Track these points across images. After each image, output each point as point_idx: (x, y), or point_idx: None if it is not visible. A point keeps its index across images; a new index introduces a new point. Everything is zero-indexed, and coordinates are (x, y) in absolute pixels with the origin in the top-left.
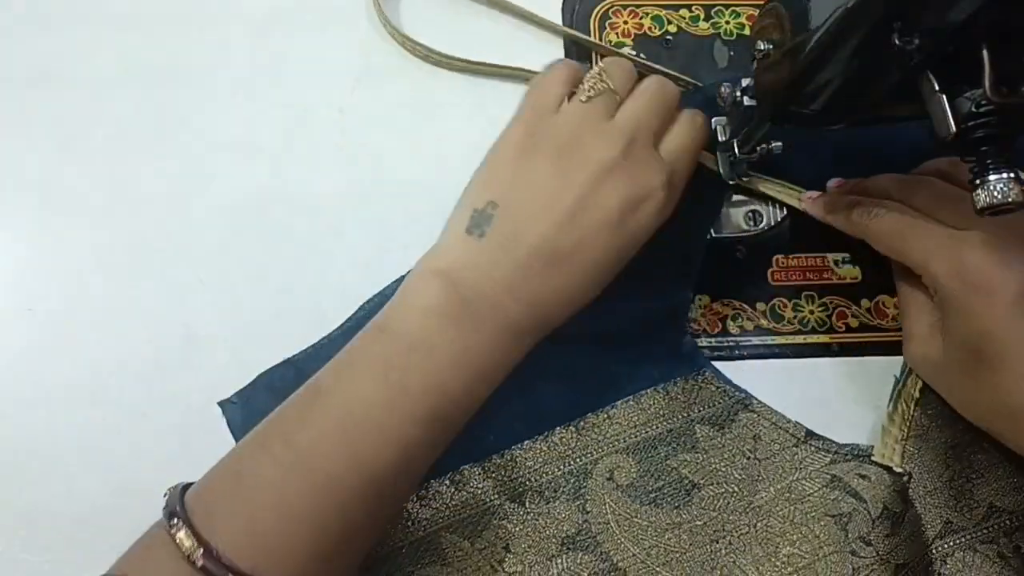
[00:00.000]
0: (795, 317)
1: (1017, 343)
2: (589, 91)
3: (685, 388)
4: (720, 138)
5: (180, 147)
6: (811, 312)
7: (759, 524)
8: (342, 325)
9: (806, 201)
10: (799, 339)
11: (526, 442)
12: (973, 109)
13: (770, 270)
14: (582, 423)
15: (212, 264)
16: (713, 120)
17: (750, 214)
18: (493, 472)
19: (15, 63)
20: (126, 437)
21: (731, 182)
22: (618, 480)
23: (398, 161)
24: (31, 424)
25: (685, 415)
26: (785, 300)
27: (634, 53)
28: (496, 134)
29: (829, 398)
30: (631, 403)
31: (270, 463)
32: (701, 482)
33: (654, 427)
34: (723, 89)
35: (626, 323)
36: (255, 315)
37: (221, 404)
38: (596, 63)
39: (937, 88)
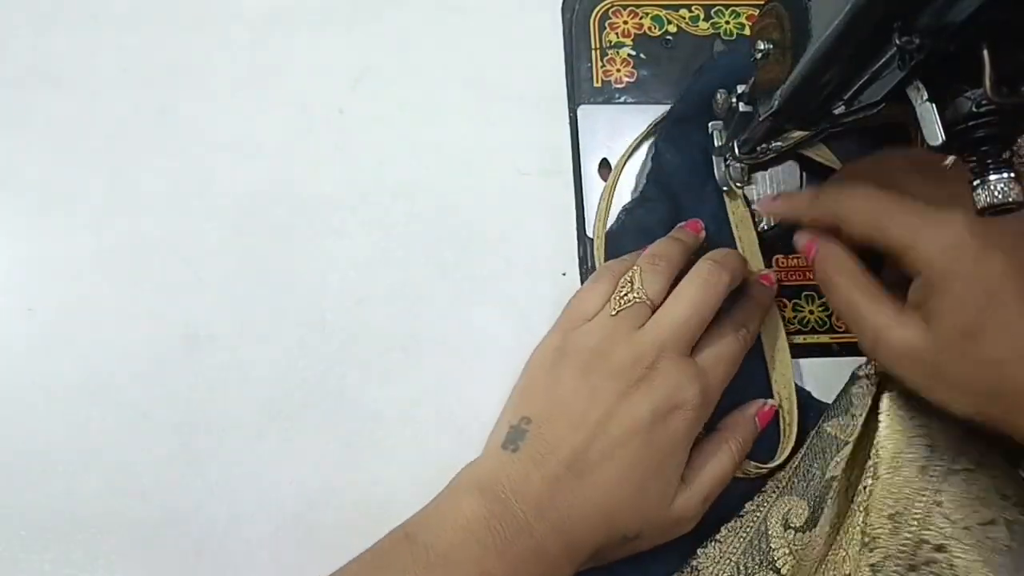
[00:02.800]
0: (795, 317)
1: (1012, 317)
2: (619, 304)
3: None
4: (716, 143)
5: (180, 147)
6: (811, 312)
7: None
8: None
9: (765, 203)
10: (799, 339)
11: (699, 551)
12: (973, 109)
13: (770, 270)
14: (739, 509)
15: (212, 264)
16: (709, 125)
17: (750, 215)
18: None
19: (15, 63)
20: (126, 437)
21: (724, 188)
22: (795, 523)
23: (398, 161)
24: (31, 424)
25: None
26: (785, 300)
27: (634, 53)
28: (495, 136)
29: (829, 398)
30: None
31: None
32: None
33: (795, 459)
34: (719, 95)
35: None
36: (255, 315)
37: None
38: (634, 270)
39: (926, 97)
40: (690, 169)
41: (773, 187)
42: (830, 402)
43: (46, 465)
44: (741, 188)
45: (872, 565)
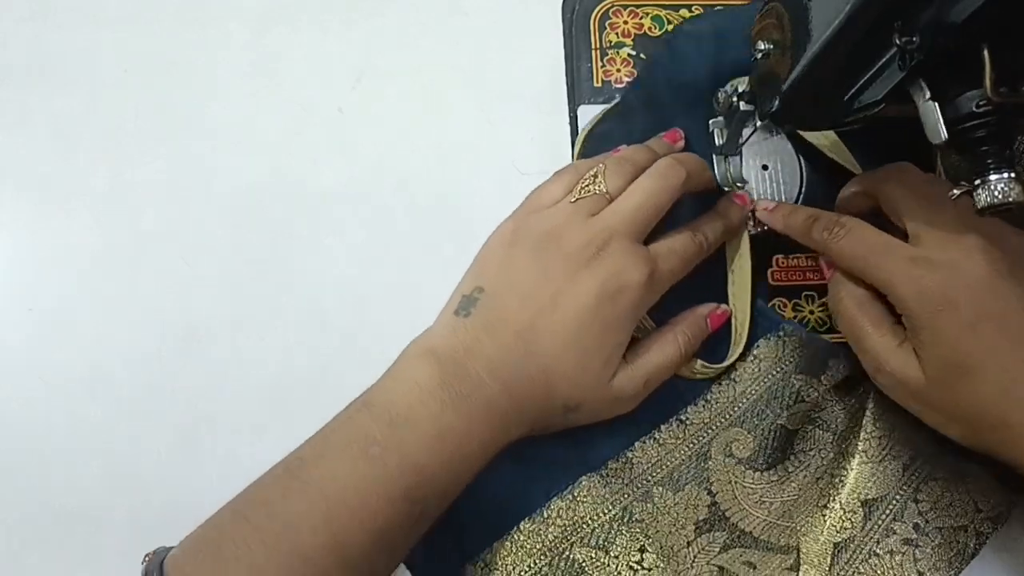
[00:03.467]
0: (795, 317)
1: (988, 355)
2: (579, 192)
3: (770, 347)
4: (717, 142)
5: (180, 145)
6: (811, 312)
7: (846, 451)
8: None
9: (761, 211)
10: None
11: (636, 444)
12: (973, 109)
13: (770, 270)
14: (684, 415)
15: (212, 261)
16: (710, 123)
17: (750, 215)
18: (612, 477)
19: (15, 63)
20: (126, 435)
21: (724, 188)
22: (737, 454)
23: (398, 160)
24: (31, 422)
25: (779, 371)
26: (785, 300)
27: (634, 53)
28: (495, 136)
29: None
30: (724, 382)
31: (251, 535)
32: (804, 430)
33: (752, 393)
34: (719, 94)
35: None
36: (255, 312)
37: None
38: (599, 168)
39: (929, 96)
40: (680, 86)
41: (774, 186)
42: (789, 321)
43: (46, 462)
44: (741, 188)
45: (836, 544)
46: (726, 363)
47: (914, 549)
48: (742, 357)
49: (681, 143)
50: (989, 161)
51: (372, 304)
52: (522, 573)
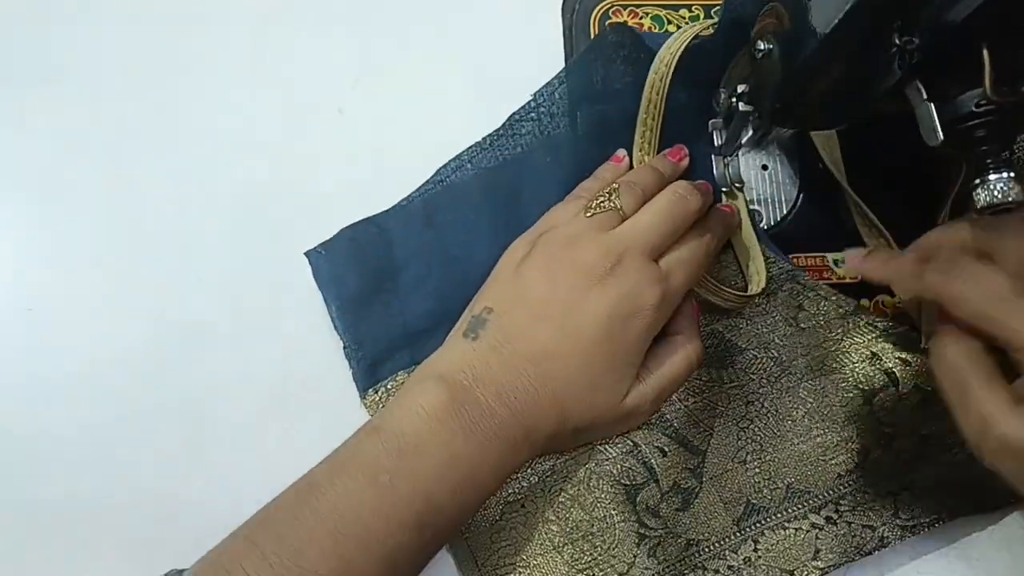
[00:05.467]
0: None
1: None
2: (594, 208)
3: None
4: (716, 142)
5: (180, 145)
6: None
7: (789, 389)
8: (420, 187)
9: (853, 261)
10: None
11: None
12: (973, 109)
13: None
14: None
15: (212, 263)
16: (709, 123)
17: (749, 215)
18: None
19: (15, 63)
20: (126, 436)
21: (723, 189)
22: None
23: (397, 160)
24: (31, 423)
25: (734, 282)
26: None
27: None
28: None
29: None
30: None
31: (260, 560)
32: (744, 346)
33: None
34: (720, 93)
35: None
36: (255, 313)
37: (307, 254)
38: (612, 187)
39: (925, 97)
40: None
41: (773, 186)
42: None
43: (46, 464)
44: (741, 188)
45: (751, 503)
46: (751, 292)
47: (819, 531)
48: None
49: (685, 162)
50: (989, 161)
51: None
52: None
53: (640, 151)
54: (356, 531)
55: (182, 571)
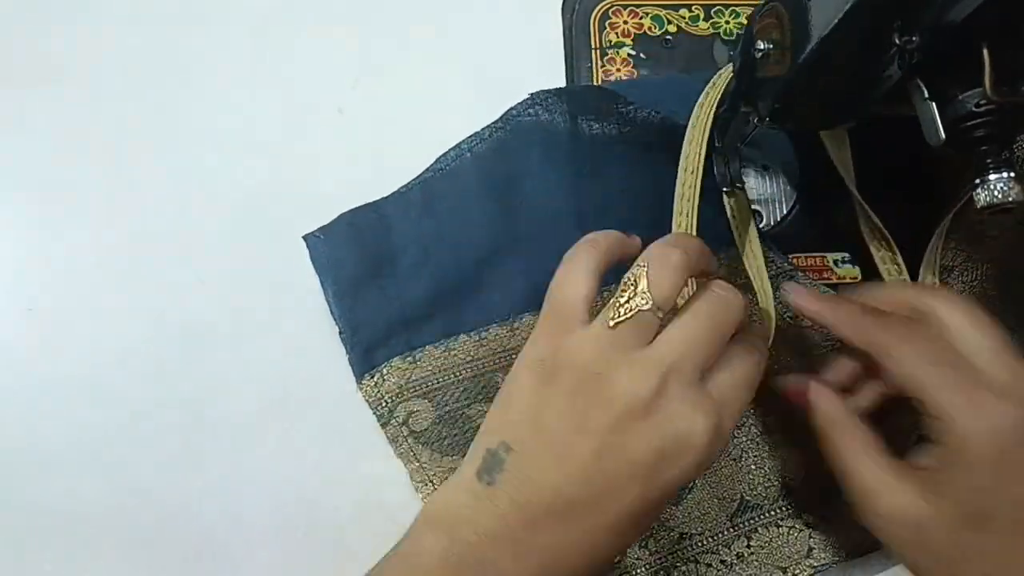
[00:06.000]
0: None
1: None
2: (617, 314)
3: (735, 256)
4: (716, 144)
5: (180, 146)
6: None
7: None
8: (420, 175)
9: (797, 294)
10: None
11: None
12: (973, 109)
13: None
14: None
15: (212, 263)
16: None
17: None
18: None
19: (15, 63)
20: (126, 437)
21: (724, 189)
22: None
23: (398, 160)
24: (31, 424)
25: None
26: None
27: (634, 53)
28: None
29: None
30: None
31: None
32: None
33: None
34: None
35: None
36: (255, 314)
37: (305, 237)
38: (640, 266)
39: (927, 95)
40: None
41: (773, 186)
42: None
43: (46, 464)
44: (741, 188)
45: (746, 500)
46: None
47: (812, 530)
48: None
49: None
50: (989, 161)
51: None
52: (445, 378)
53: (681, 215)
54: None
55: None
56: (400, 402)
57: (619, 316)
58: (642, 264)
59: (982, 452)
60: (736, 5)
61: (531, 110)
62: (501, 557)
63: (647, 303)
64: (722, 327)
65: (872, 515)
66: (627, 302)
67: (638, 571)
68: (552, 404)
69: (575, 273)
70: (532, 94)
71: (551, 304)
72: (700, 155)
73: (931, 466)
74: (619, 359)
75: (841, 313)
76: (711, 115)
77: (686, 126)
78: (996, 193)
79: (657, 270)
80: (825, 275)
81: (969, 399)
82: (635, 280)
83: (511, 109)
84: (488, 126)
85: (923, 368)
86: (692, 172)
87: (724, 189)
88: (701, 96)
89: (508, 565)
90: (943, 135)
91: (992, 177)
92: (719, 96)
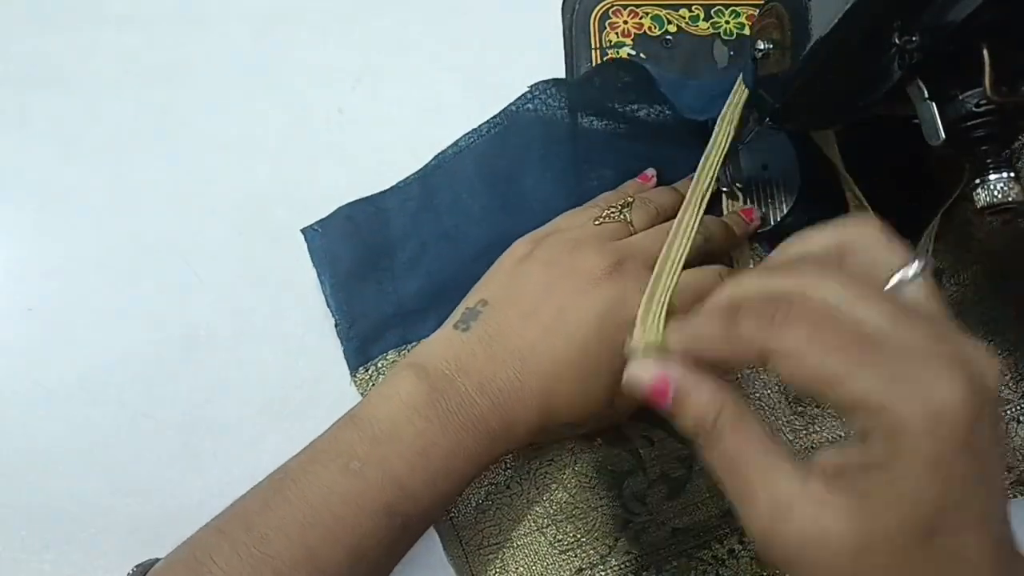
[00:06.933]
0: None
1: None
2: (603, 217)
3: None
4: None
5: (180, 147)
6: None
7: (779, 385)
8: (419, 170)
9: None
10: None
11: None
12: (973, 109)
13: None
14: None
15: (212, 264)
16: (709, 121)
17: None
18: None
19: (15, 63)
20: (126, 437)
21: (724, 189)
22: None
23: (398, 161)
24: (31, 424)
25: None
26: None
27: (634, 53)
28: None
29: None
30: None
31: (229, 551)
32: None
33: None
34: None
35: None
36: (255, 315)
37: (303, 230)
38: (628, 200)
39: (927, 95)
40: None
41: (773, 187)
42: None
43: (46, 465)
44: (741, 188)
45: None
46: None
47: None
48: None
49: (653, 182)
50: (988, 161)
51: None
52: None
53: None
54: (324, 519)
55: (156, 560)
56: None
57: (602, 220)
58: (630, 199)
59: (923, 442)
60: (736, 5)
61: (530, 104)
62: (468, 386)
63: (627, 219)
64: (678, 240)
65: (784, 543)
66: (612, 213)
67: (629, 565)
68: (528, 272)
69: (583, 213)
70: (531, 86)
71: (553, 222)
72: (714, 168)
73: (854, 469)
74: (591, 244)
75: (694, 330)
76: (731, 130)
77: (687, 125)
78: (996, 193)
79: (640, 204)
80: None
81: (894, 374)
82: (621, 205)
83: (510, 104)
84: (487, 121)
85: (829, 355)
86: (708, 174)
87: (723, 190)
88: (724, 107)
89: (474, 395)
90: (943, 135)
91: (992, 177)
92: (739, 108)
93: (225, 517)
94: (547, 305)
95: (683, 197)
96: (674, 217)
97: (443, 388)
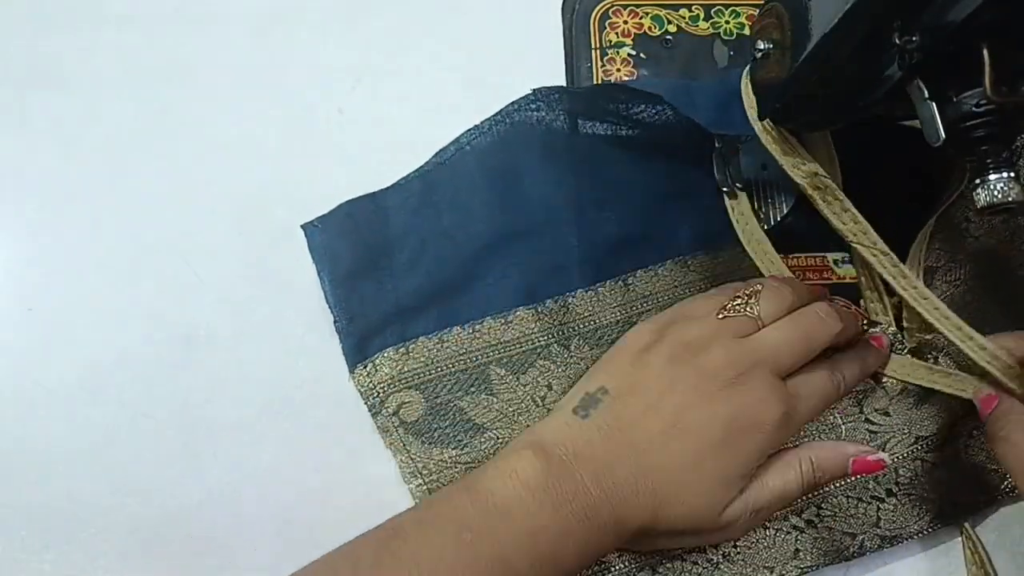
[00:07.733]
0: None
1: None
2: (729, 311)
3: (733, 255)
4: (716, 144)
5: (180, 147)
6: None
7: None
8: (420, 168)
9: (984, 404)
10: None
11: (579, 291)
12: (973, 109)
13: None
14: (630, 279)
15: (212, 264)
16: None
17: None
18: (545, 316)
19: (15, 63)
20: (126, 437)
21: (724, 189)
22: None
23: (398, 161)
24: (31, 424)
25: (727, 280)
26: None
27: (634, 53)
28: None
29: None
30: (679, 263)
31: None
32: None
33: (697, 287)
34: None
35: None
36: (255, 315)
37: (303, 227)
38: (756, 288)
39: (927, 95)
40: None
41: (773, 187)
42: None
43: (46, 465)
44: (741, 188)
45: None
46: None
47: (799, 533)
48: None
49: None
50: (989, 161)
51: None
52: (438, 369)
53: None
54: None
55: None
56: (391, 392)
57: (727, 313)
58: (759, 285)
59: None
60: (736, 5)
61: (532, 106)
62: (583, 475)
63: (754, 312)
64: (812, 338)
65: None
66: (737, 305)
67: (623, 567)
68: (652, 365)
69: (709, 300)
70: (534, 90)
71: (676, 308)
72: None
73: None
74: (718, 342)
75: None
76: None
77: (686, 127)
78: (996, 193)
79: (769, 294)
80: (825, 275)
81: None
82: (752, 293)
83: (511, 104)
84: (487, 119)
85: None
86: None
87: (724, 190)
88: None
89: (589, 485)
90: (943, 135)
91: (992, 177)
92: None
93: (339, 555)
94: (670, 403)
95: (811, 294)
96: (801, 307)
97: (559, 473)
